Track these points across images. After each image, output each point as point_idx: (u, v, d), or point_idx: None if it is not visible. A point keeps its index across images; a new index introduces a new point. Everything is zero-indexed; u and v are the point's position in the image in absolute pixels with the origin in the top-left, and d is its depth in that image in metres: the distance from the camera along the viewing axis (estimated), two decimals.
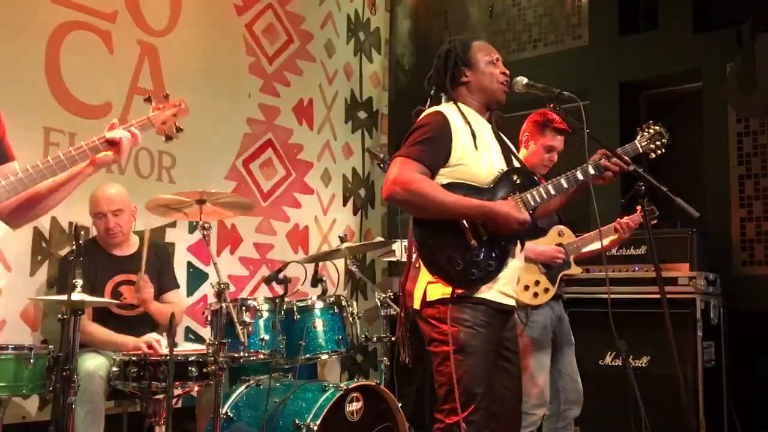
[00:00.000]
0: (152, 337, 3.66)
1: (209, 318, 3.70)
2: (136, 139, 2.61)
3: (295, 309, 3.84)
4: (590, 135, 2.75)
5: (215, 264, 3.51)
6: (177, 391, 3.53)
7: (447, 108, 2.73)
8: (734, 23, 4.84)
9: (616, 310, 2.85)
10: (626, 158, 2.81)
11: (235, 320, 3.53)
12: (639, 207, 3.64)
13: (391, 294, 4.33)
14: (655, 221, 3.77)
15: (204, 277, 4.91)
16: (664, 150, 2.98)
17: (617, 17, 5.62)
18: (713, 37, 5.13)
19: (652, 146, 2.97)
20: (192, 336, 4.79)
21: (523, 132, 3.81)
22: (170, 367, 3.26)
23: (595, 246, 3.79)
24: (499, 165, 2.73)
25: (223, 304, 3.44)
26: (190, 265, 4.87)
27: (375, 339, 4.12)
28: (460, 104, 2.76)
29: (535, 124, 3.77)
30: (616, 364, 4.61)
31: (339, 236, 4.44)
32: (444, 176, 2.64)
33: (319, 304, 3.90)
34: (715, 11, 5.24)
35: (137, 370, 3.43)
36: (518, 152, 3.74)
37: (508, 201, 2.65)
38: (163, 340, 3.63)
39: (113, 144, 2.53)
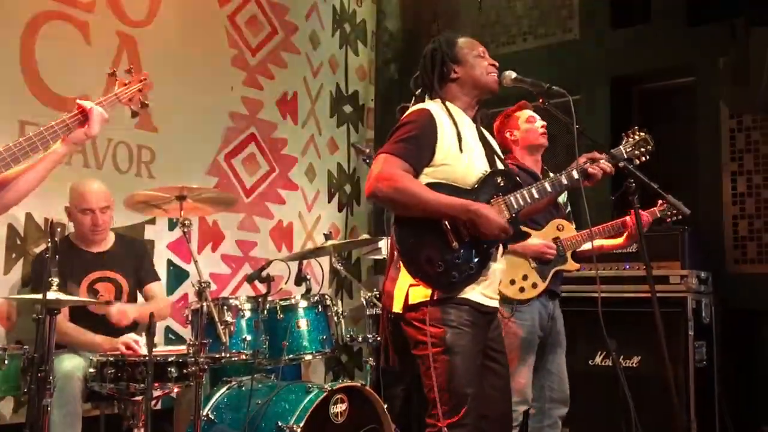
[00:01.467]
0: (130, 337, 3.65)
1: (190, 317, 3.69)
2: (103, 118, 2.64)
3: (278, 308, 3.83)
4: (580, 131, 2.76)
5: (196, 262, 3.49)
6: (156, 393, 3.52)
7: (433, 106, 2.75)
8: (728, 17, 4.87)
9: (606, 309, 2.87)
10: (617, 158, 2.83)
11: (217, 320, 3.52)
12: (660, 201, 3.69)
13: (377, 293, 4.32)
14: (674, 217, 3.78)
15: (185, 275, 4.90)
16: (648, 157, 3.01)
17: (609, 10, 5.64)
18: (706, 31, 5.16)
19: (637, 152, 3.00)
20: (172, 336, 4.77)
21: (502, 137, 3.84)
22: (149, 367, 3.24)
23: (616, 241, 3.84)
24: (482, 166, 2.75)
25: (204, 303, 3.43)
26: (170, 263, 4.86)
27: (360, 339, 4.12)
28: (447, 103, 2.77)
29: (504, 119, 3.87)
30: (607, 363, 4.64)
31: (324, 233, 4.43)
32: (427, 176, 2.66)
33: (303, 303, 3.90)
34: (709, 4, 5.26)
35: (115, 371, 3.40)
36: (512, 153, 3.79)
37: (492, 206, 2.67)
38: (142, 340, 3.62)
39: (83, 119, 2.54)
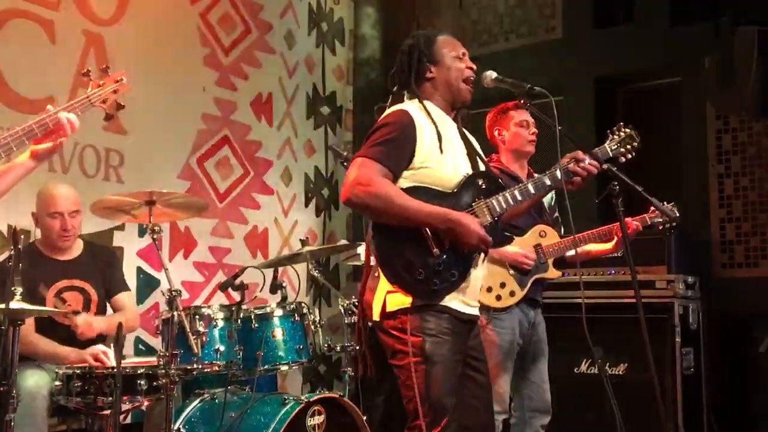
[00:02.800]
0: (99, 348, 3.61)
1: (160, 327, 3.65)
2: (73, 128, 2.58)
3: (252, 317, 3.81)
4: (562, 132, 2.77)
5: (166, 270, 3.47)
6: (125, 407, 3.49)
7: (411, 106, 2.73)
8: (713, 16, 4.92)
9: (590, 315, 2.87)
10: (597, 159, 2.84)
11: (188, 329, 3.48)
12: (652, 208, 3.70)
13: (356, 300, 4.31)
14: (666, 225, 3.80)
15: (155, 283, 4.87)
16: (634, 154, 3.01)
17: (592, 9, 5.68)
18: (690, 30, 5.21)
19: (623, 150, 3.00)
20: (142, 347, 4.73)
21: (491, 133, 3.85)
22: (117, 380, 3.21)
23: (605, 247, 3.85)
24: (464, 168, 2.74)
25: (175, 313, 3.40)
26: (140, 270, 4.83)
27: (339, 348, 4.11)
28: (425, 102, 2.76)
29: (496, 115, 3.85)
30: (592, 371, 4.65)
31: (300, 239, 4.42)
32: (406, 179, 2.64)
33: (279, 312, 3.88)
34: (693, 3, 5.31)
35: (82, 384, 3.36)
36: (498, 153, 3.79)
37: (472, 215, 2.66)
38: (111, 352, 3.58)
39: (53, 131, 2.49)
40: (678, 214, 3.75)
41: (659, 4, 5.39)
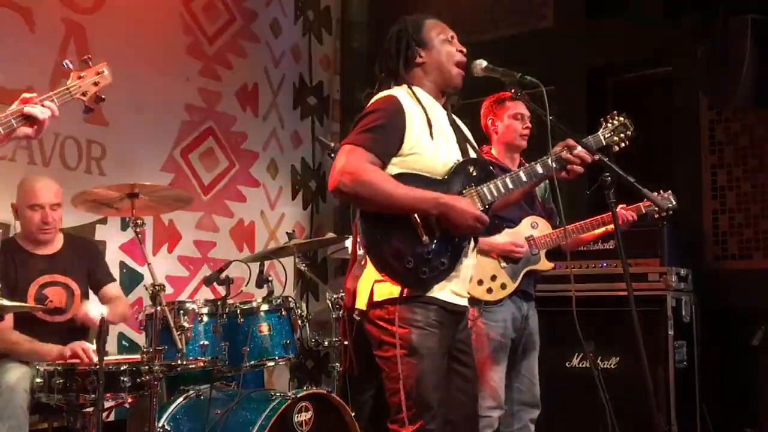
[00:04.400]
0: (79, 344, 3.59)
1: (144, 323, 3.65)
2: (53, 114, 2.56)
3: (238, 312, 3.81)
4: (554, 122, 2.77)
5: (149, 264, 3.47)
6: (108, 404, 3.46)
7: (400, 92, 2.73)
8: (706, 5, 4.93)
9: (582, 308, 2.89)
10: (590, 148, 2.84)
11: (172, 325, 3.49)
12: (645, 200, 3.71)
13: (344, 294, 4.32)
14: (660, 214, 3.82)
15: (139, 278, 4.85)
16: (628, 142, 3.02)
17: None
18: (684, 19, 5.21)
19: (616, 138, 3.01)
20: (126, 342, 4.73)
21: (485, 121, 3.87)
22: (100, 377, 3.19)
23: (596, 231, 3.85)
24: (454, 155, 2.74)
25: (159, 308, 3.40)
26: (123, 265, 4.81)
27: (326, 343, 4.12)
28: (414, 87, 2.75)
29: (492, 104, 3.86)
30: (584, 366, 4.67)
31: (287, 232, 4.42)
32: (395, 166, 2.63)
33: (265, 307, 3.88)
34: None
35: (63, 381, 3.34)
36: (490, 144, 3.80)
37: (464, 197, 2.66)
38: (92, 347, 3.57)
39: (31, 119, 2.48)
40: (674, 202, 3.77)
41: None
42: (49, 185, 3.82)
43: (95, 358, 3.46)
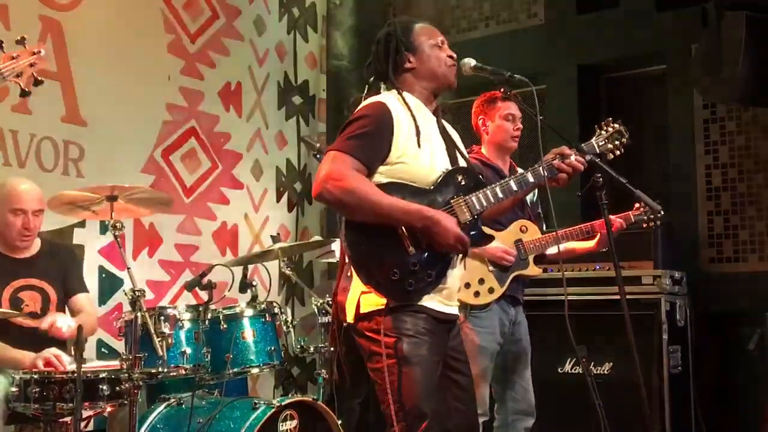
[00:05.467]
0: (51, 351, 3.55)
1: (123, 329, 3.63)
2: None
3: (221, 317, 3.80)
4: (544, 122, 2.78)
5: (129, 269, 3.45)
6: (86, 413, 3.45)
7: (389, 98, 2.73)
8: (699, 1, 4.94)
9: (574, 312, 2.90)
10: (583, 154, 2.85)
11: (153, 331, 3.48)
12: (636, 205, 3.74)
13: (330, 300, 4.31)
14: (650, 222, 3.83)
15: (118, 283, 4.82)
16: (623, 150, 3.02)
17: None
18: (678, 15, 5.24)
19: (610, 146, 3.02)
20: (105, 350, 4.70)
21: (476, 120, 3.87)
22: (78, 385, 3.17)
23: (588, 245, 3.87)
24: (443, 163, 2.74)
25: (139, 314, 3.38)
26: (102, 269, 4.79)
27: (312, 349, 4.12)
28: (404, 93, 2.75)
29: (483, 104, 3.85)
30: (577, 371, 4.68)
31: (271, 236, 4.42)
32: (382, 174, 2.64)
33: (249, 312, 3.88)
34: None
35: (40, 390, 3.31)
36: (480, 144, 3.80)
37: (450, 214, 2.66)
38: (65, 356, 3.54)
39: None
40: (660, 209, 3.79)
41: None
42: (34, 190, 3.79)
43: (68, 366, 3.44)
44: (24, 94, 2.67)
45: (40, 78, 2.64)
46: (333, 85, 6.58)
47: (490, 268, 3.68)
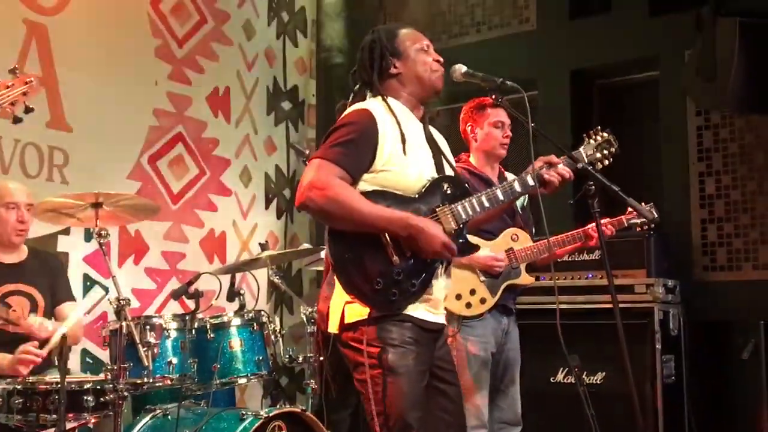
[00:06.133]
0: (24, 347, 3.51)
1: (108, 339, 3.63)
2: None
3: (208, 327, 3.80)
4: (536, 129, 2.78)
5: (114, 277, 3.45)
6: (70, 425, 3.42)
7: (375, 104, 2.73)
8: (693, 6, 4.97)
9: (566, 321, 2.90)
10: (573, 162, 2.86)
11: (138, 341, 3.48)
12: (629, 209, 3.73)
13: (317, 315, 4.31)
14: (644, 226, 3.84)
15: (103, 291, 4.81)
16: (611, 160, 3.04)
17: None
18: (671, 21, 5.26)
19: (599, 155, 3.03)
20: (90, 360, 4.69)
21: (464, 126, 3.87)
22: (62, 396, 3.17)
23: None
24: (428, 172, 2.74)
25: (124, 323, 3.38)
26: (86, 277, 4.78)
27: (301, 359, 4.12)
28: (390, 100, 2.75)
29: (472, 110, 3.85)
30: (569, 381, 4.68)
31: (260, 243, 4.41)
32: (366, 182, 2.64)
33: (236, 321, 3.88)
34: None
35: (23, 401, 3.32)
36: (469, 152, 3.81)
37: (435, 221, 2.66)
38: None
39: None
40: (656, 215, 3.79)
41: None
42: (22, 186, 3.91)
43: (43, 352, 3.44)
44: (16, 121, 2.78)
45: (31, 106, 2.74)
46: (323, 90, 6.58)
47: (481, 278, 3.68)
